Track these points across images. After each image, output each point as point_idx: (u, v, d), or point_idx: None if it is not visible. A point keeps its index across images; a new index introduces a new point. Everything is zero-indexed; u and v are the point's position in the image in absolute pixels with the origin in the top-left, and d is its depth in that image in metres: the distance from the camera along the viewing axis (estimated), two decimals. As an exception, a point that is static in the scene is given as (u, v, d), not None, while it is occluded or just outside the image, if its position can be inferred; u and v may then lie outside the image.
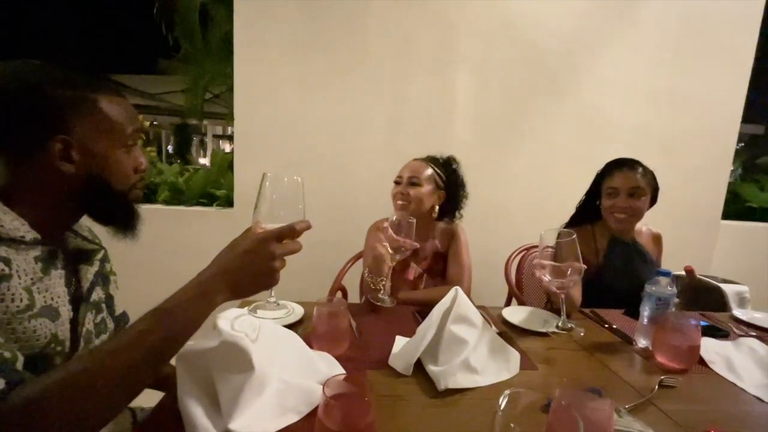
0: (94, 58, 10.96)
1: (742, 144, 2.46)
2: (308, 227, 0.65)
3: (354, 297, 1.64)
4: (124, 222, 0.73)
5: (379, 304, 1.10)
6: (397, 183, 1.40)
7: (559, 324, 0.98)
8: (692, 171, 2.38)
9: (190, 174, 2.86)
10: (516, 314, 1.10)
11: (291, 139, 2.20)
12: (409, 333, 0.93)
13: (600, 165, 1.49)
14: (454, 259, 1.40)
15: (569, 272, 0.93)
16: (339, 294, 1.57)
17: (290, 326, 0.94)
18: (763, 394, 0.77)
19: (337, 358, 0.78)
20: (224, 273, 0.58)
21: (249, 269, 0.59)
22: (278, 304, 0.85)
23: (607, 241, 1.42)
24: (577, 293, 1.20)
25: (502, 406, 0.46)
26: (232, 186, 2.28)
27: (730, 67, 2.35)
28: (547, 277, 0.95)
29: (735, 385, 0.81)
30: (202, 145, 14.06)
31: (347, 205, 2.18)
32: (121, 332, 0.53)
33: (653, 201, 1.40)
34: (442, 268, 1.42)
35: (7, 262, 0.55)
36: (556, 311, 1.13)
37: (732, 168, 2.56)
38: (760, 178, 4.48)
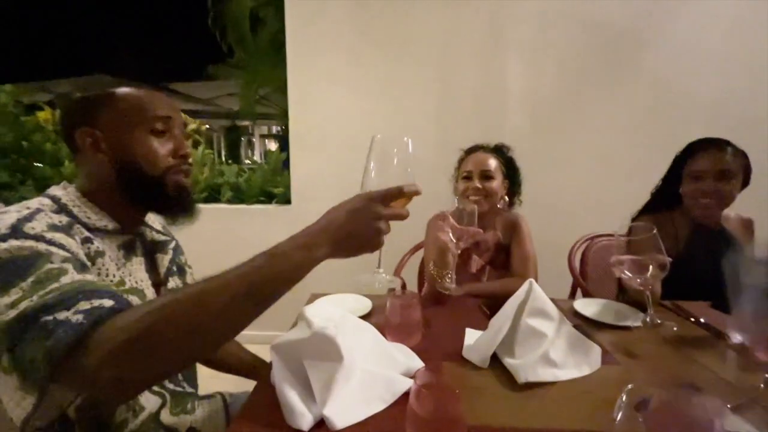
0: (150, 68, 11.81)
1: None
2: (417, 192, 0.64)
3: (413, 289, 1.66)
4: (172, 207, 0.76)
5: (447, 292, 1.09)
6: (466, 178, 1.38)
7: (647, 320, 0.91)
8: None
9: (248, 174, 3.02)
10: (588, 307, 1.06)
11: (343, 135, 2.25)
12: (477, 325, 0.93)
13: (672, 147, 1.37)
14: (518, 250, 1.37)
15: (651, 267, 0.87)
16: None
17: (362, 318, 0.98)
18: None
19: (411, 349, 0.80)
20: (328, 229, 0.59)
21: (352, 227, 0.59)
22: (384, 276, 0.78)
23: (689, 228, 1.31)
24: (657, 286, 1.13)
25: (624, 401, 0.45)
26: (289, 184, 2.38)
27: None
28: (627, 274, 0.89)
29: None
30: (250, 145, 14.73)
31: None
32: (229, 268, 0.55)
33: (745, 183, 1.25)
34: (504, 259, 1.40)
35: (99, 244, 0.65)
36: (630, 303, 1.08)
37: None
38: None
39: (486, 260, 1.40)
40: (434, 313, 1.07)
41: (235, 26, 5.36)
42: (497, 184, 1.35)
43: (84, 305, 0.51)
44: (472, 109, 2.20)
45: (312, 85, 2.23)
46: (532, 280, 0.82)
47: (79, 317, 0.50)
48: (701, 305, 1.11)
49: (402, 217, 0.63)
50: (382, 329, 0.85)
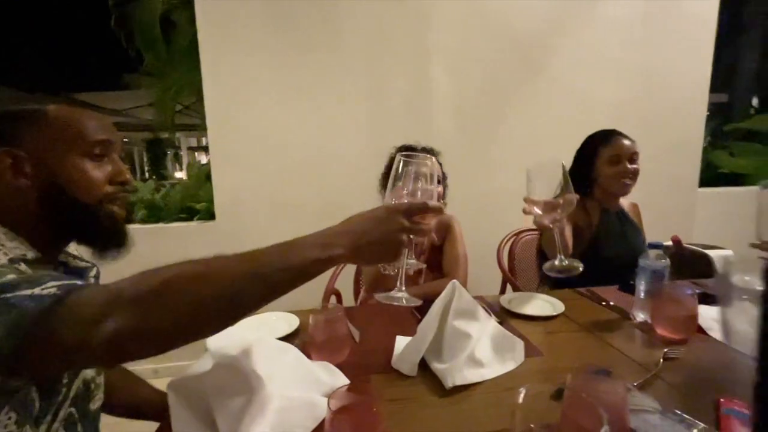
0: (52, 77, 10.52)
1: (709, 113, 2.57)
2: (441, 210, 0.65)
3: (349, 300, 1.61)
4: (104, 239, 0.68)
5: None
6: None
7: (556, 263, 0.92)
8: (667, 142, 2.43)
9: (166, 189, 2.77)
10: (514, 301, 1.10)
11: (270, 144, 2.14)
12: (410, 332, 0.91)
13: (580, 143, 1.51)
14: (450, 251, 1.40)
15: (561, 205, 0.90)
16: (333, 299, 1.54)
17: (285, 339, 0.91)
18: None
19: (339, 366, 0.76)
20: (348, 232, 0.58)
21: (374, 235, 0.59)
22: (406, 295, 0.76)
23: (598, 212, 1.45)
24: (569, 235, 1.21)
25: (520, 402, 0.44)
26: (212, 198, 2.21)
27: (695, 40, 2.40)
28: (537, 212, 0.92)
29: (735, 350, 0.82)
30: (177, 158, 13.71)
31: (333, 206, 2.14)
32: (240, 252, 0.52)
33: None
34: (439, 261, 1.42)
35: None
36: (548, 274, 1.12)
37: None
38: (728, 144, 4.64)
39: (422, 262, 1.41)
40: (367, 323, 1.03)
41: (143, 30, 4.91)
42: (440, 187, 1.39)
43: (53, 284, 0.46)
44: (402, 113, 2.22)
45: (231, 92, 2.10)
46: (455, 281, 0.82)
47: (51, 290, 0.45)
48: (610, 289, 1.20)
49: (424, 233, 0.64)
50: (307, 348, 0.80)
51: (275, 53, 2.10)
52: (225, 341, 0.63)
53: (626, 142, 1.43)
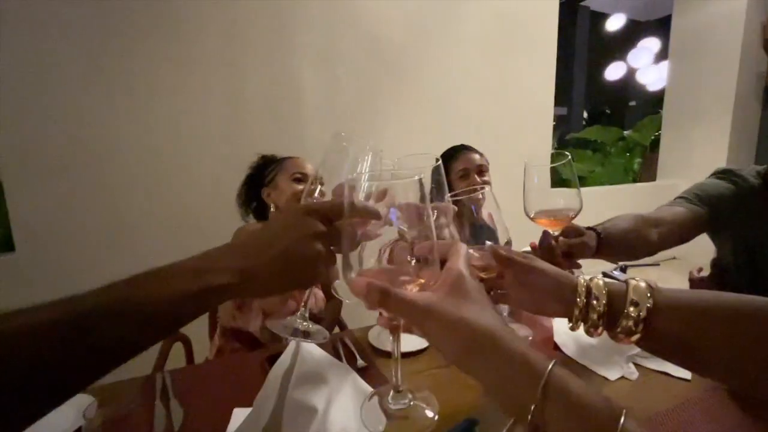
0: None
1: (554, 124, 3.00)
2: (375, 215, 0.43)
3: (202, 346, 1.31)
4: None
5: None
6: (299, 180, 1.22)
7: None
8: (522, 149, 2.68)
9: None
10: (382, 335, 0.98)
11: (94, 152, 1.69)
12: (250, 397, 0.71)
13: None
14: None
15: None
16: (178, 349, 1.23)
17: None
18: (608, 373, 0.79)
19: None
20: (237, 249, 0.41)
21: (276, 248, 0.41)
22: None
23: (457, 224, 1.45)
24: None
25: None
26: (8, 223, 1.65)
27: (540, 59, 2.70)
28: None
29: (586, 366, 0.83)
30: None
31: (184, 222, 1.79)
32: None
33: None
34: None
35: None
36: None
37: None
38: (569, 151, 5.49)
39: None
40: (199, 390, 0.80)
41: None
42: None
43: None
44: (267, 117, 1.98)
45: (27, 79, 1.59)
46: (298, 340, 0.65)
47: None
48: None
49: (348, 247, 0.42)
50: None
51: (92, 46, 1.65)
52: None
53: (473, 155, 1.46)
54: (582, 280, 0.49)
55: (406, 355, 0.89)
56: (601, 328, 0.47)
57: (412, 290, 0.39)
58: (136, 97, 1.73)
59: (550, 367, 0.30)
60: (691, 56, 3.39)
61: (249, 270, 0.39)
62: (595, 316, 0.47)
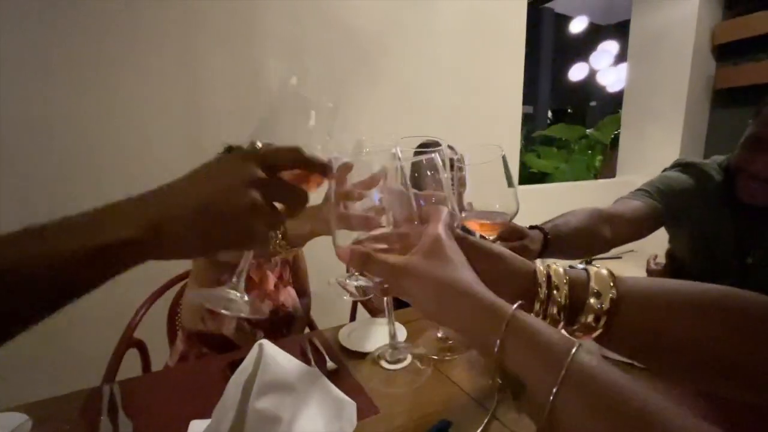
0: None
1: (522, 121, 3.10)
2: (325, 168, 0.40)
3: (160, 351, 1.22)
4: None
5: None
6: None
7: None
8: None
9: None
10: (353, 334, 0.94)
11: (42, 144, 1.54)
12: (209, 407, 0.66)
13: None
14: (298, 272, 1.27)
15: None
16: (134, 356, 1.14)
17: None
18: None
19: None
20: (151, 195, 0.33)
21: (198, 196, 0.33)
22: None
23: None
24: None
25: None
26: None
27: (510, 58, 2.74)
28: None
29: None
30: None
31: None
32: None
33: None
34: (291, 275, 1.24)
35: None
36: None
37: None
38: (536, 148, 5.66)
39: (277, 276, 1.18)
40: (155, 398, 0.73)
41: None
42: None
43: None
44: (229, 109, 1.88)
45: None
46: (262, 342, 0.61)
47: None
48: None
49: (293, 193, 0.38)
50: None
51: (38, 25, 1.50)
52: None
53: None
54: (541, 267, 0.43)
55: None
56: (561, 323, 0.42)
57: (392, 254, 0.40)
58: (86, 85, 1.58)
59: (513, 308, 0.33)
60: (647, 59, 3.55)
61: (161, 223, 0.31)
62: (555, 310, 0.41)
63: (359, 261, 0.39)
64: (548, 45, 7.84)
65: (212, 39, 1.82)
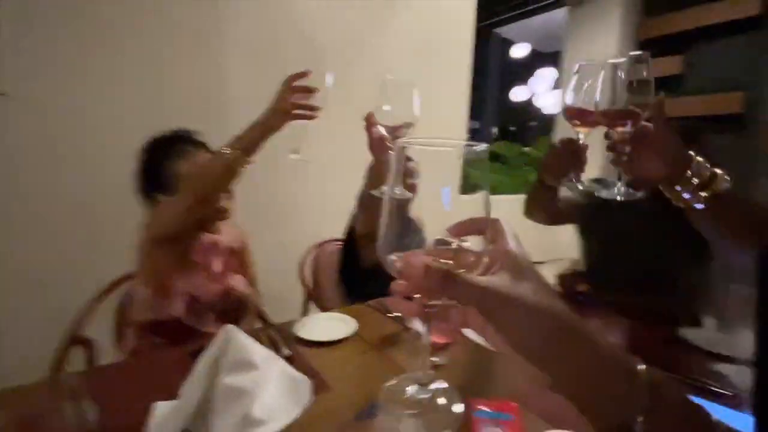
0: None
1: (468, 136, 3.34)
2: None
3: (107, 353, 1.19)
4: None
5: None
6: None
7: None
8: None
9: None
10: (306, 326, 1.02)
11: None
12: (173, 390, 0.71)
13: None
14: (243, 264, 1.31)
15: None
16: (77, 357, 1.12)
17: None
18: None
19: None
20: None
21: None
22: None
23: None
24: None
25: None
26: None
27: (457, 76, 2.97)
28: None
29: (487, 349, 0.95)
30: None
31: (92, 225, 1.60)
32: None
33: None
34: (237, 265, 1.28)
35: None
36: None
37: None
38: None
39: (223, 263, 1.22)
40: (116, 389, 0.76)
41: None
42: None
43: None
44: (189, 107, 1.86)
45: None
46: (227, 327, 0.68)
47: None
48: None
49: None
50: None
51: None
52: None
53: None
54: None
55: (329, 344, 0.95)
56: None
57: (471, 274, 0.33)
58: (38, 81, 1.51)
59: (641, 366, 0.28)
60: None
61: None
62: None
63: (438, 280, 0.32)
64: (495, 67, 8.41)
65: (175, 41, 1.81)
